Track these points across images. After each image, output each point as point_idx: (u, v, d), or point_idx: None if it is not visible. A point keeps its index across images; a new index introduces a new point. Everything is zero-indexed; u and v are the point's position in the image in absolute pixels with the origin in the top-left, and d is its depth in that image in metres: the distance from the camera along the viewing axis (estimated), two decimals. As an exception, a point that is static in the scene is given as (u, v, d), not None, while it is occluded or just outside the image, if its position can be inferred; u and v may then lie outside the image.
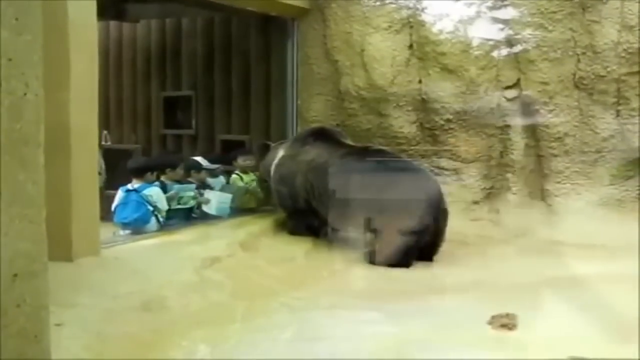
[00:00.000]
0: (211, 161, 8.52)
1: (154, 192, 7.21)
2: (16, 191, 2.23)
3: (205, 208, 7.83)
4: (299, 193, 7.51)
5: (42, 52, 2.35)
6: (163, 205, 7.26)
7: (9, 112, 2.20)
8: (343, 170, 7.06)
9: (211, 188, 8.14)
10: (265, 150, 8.33)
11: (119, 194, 7.24)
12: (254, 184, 8.60)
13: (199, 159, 8.50)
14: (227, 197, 7.99)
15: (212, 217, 7.86)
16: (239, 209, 8.31)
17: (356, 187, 6.85)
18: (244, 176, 8.56)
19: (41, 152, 2.33)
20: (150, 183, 7.32)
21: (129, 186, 7.25)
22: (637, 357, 3.78)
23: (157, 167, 7.69)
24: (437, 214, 6.80)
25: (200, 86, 10.42)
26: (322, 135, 7.73)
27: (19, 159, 2.24)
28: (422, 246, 6.73)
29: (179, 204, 7.55)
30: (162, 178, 7.63)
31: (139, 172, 7.36)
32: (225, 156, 9.12)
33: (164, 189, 7.44)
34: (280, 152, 7.90)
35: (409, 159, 7.79)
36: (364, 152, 7.34)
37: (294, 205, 7.64)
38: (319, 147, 7.53)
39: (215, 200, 7.85)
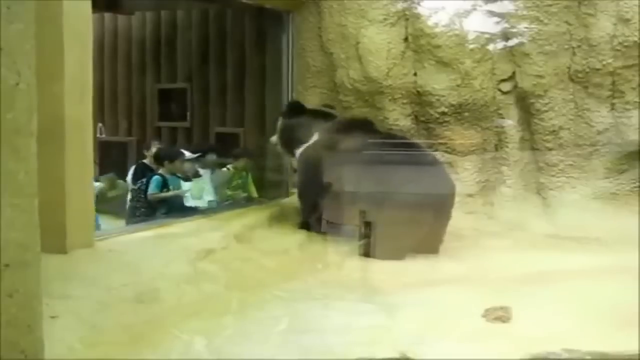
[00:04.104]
0: (197, 151, 8.51)
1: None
2: (8, 180, 2.22)
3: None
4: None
5: (34, 41, 2.33)
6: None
7: (1, 101, 2.20)
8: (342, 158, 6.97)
9: (200, 176, 8.14)
10: (298, 111, 7.58)
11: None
12: (246, 177, 8.59)
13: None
14: (209, 187, 7.97)
15: (205, 210, 7.86)
16: (232, 201, 8.30)
17: (352, 177, 6.82)
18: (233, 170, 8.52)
19: (34, 141, 2.33)
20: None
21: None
22: (632, 347, 3.78)
23: (160, 160, 7.70)
24: (438, 209, 6.80)
25: (195, 79, 10.40)
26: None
27: (11, 148, 2.23)
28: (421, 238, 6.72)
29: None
30: (161, 171, 7.64)
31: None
32: (213, 145, 9.12)
33: (165, 181, 7.46)
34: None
35: (422, 151, 7.61)
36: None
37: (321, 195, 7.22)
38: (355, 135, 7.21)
39: (196, 190, 7.84)
